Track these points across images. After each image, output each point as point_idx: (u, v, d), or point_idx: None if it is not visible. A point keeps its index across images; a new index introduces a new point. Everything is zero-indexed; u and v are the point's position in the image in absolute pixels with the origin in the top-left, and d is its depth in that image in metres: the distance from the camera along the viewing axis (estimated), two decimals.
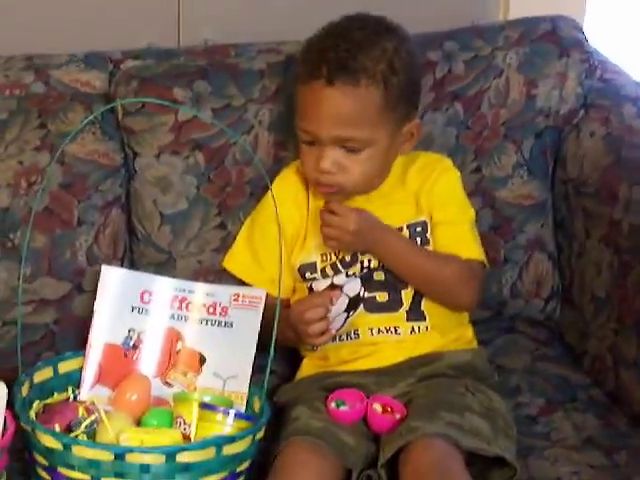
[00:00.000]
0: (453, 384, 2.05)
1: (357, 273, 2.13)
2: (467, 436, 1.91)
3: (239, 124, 2.22)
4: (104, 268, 2.10)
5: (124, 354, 2.09)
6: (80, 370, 2.08)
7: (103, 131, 2.19)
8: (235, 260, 2.23)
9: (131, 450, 1.82)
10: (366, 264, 2.12)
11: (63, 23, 2.37)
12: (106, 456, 1.82)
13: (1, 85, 2.21)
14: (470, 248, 2.12)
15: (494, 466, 1.92)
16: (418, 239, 2.13)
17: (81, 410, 1.98)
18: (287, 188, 2.17)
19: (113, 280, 2.09)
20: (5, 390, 1.85)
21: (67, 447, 1.83)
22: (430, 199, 2.13)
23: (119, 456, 1.81)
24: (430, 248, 2.14)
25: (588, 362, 2.31)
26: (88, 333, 2.09)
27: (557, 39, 2.39)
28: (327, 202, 2.07)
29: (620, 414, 2.17)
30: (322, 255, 2.13)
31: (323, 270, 2.13)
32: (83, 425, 1.93)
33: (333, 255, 2.13)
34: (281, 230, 2.00)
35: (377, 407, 2.02)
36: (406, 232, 2.13)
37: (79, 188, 2.16)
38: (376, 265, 2.11)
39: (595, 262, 2.27)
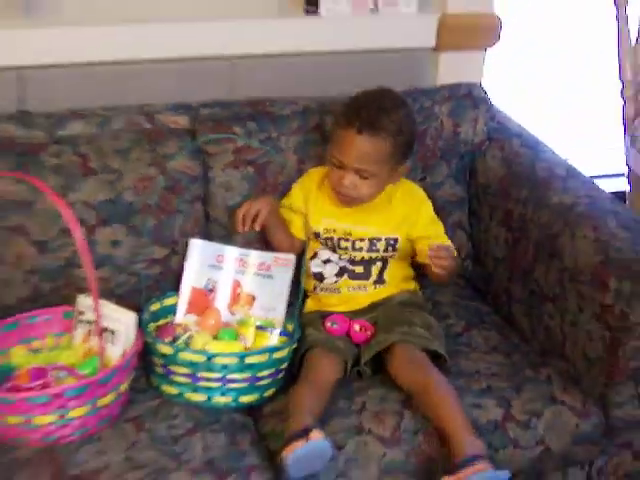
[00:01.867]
0: (401, 310, 2.11)
1: (346, 259, 2.16)
2: (416, 339, 1.98)
3: (276, 148, 2.23)
4: (191, 240, 2.12)
5: (205, 294, 2.12)
6: (176, 304, 2.12)
7: (190, 153, 2.17)
8: None
9: (217, 355, 1.88)
10: (355, 257, 2.15)
11: (160, 83, 2.36)
12: (201, 358, 1.88)
13: (125, 124, 2.22)
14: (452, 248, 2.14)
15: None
16: (390, 247, 2.14)
17: (179, 329, 2.03)
18: (304, 186, 2.19)
19: (197, 248, 2.12)
20: (136, 317, 1.91)
21: (176, 352, 1.89)
22: (414, 227, 2.15)
23: (209, 358, 1.87)
24: (396, 255, 2.16)
25: (490, 299, 2.37)
26: (181, 280, 2.12)
27: (472, 97, 2.44)
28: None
29: (512, 331, 2.24)
30: (325, 230, 2.15)
31: (326, 240, 2.15)
32: (182, 339, 1.98)
33: (334, 233, 2.14)
34: (296, 209, 2.11)
35: (356, 327, 2.08)
36: (384, 241, 2.13)
37: (177, 189, 2.15)
38: (360, 258, 2.15)
39: (495, 236, 2.33)
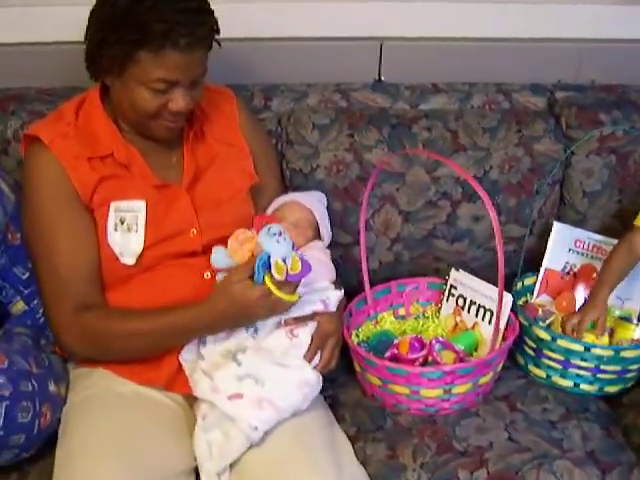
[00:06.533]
0: None
1: None
2: None
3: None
4: (555, 223, 1.99)
5: (561, 277, 1.99)
6: (534, 284, 1.98)
7: (556, 137, 2.00)
8: None
9: (595, 346, 1.77)
10: None
11: (513, 63, 2.17)
12: (578, 347, 1.77)
13: (484, 101, 2.08)
14: None
15: None
16: None
17: (540, 310, 1.91)
18: None
19: (558, 231, 1.99)
20: (512, 298, 1.79)
21: (554, 339, 1.79)
22: None
23: (587, 349, 1.77)
24: None
25: None
26: (533, 261, 1.98)
27: None
28: None
29: None
30: None
31: None
32: (546, 322, 1.87)
33: None
34: None
35: None
36: None
37: (539, 171, 1.99)
38: None
39: None
